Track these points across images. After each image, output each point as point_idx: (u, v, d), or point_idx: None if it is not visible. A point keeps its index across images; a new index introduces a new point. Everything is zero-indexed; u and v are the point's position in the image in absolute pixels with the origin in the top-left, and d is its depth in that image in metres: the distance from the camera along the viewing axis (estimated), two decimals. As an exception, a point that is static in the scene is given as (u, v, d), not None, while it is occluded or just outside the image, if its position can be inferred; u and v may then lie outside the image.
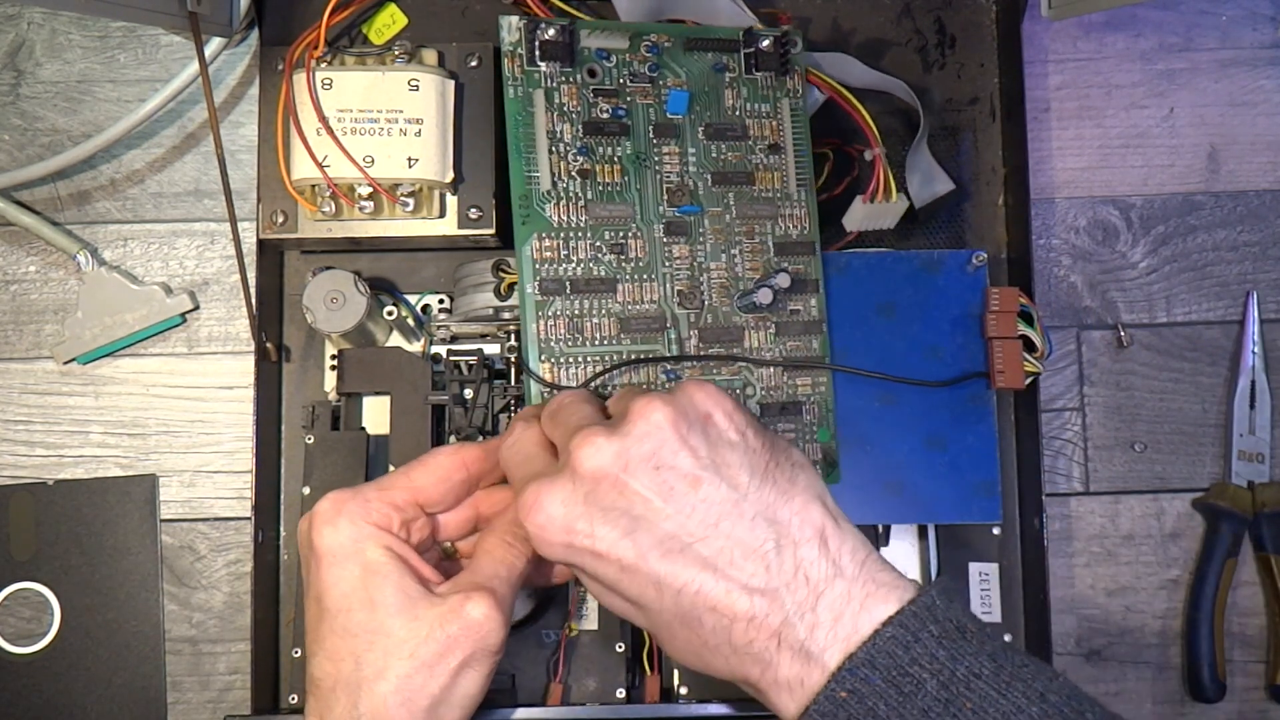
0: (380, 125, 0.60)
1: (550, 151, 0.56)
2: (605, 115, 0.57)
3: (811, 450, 0.58)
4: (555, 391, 0.54)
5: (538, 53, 0.57)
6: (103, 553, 0.65)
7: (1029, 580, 0.63)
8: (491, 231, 0.61)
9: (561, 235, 0.56)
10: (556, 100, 0.57)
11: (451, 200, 0.62)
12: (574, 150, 0.57)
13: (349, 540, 0.49)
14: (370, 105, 0.60)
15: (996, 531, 0.62)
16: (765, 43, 0.60)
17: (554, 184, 0.56)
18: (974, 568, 0.62)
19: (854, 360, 0.60)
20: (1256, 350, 0.67)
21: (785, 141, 0.60)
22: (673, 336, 0.57)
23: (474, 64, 0.62)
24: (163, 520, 0.66)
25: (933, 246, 0.66)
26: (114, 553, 0.65)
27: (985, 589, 0.62)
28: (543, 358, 0.55)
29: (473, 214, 0.61)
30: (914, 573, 0.62)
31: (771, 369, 0.58)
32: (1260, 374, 0.66)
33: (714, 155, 0.59)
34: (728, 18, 0.62)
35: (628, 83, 0.58)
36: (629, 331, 0.56)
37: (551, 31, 0.57)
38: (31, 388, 0.67)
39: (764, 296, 0.57)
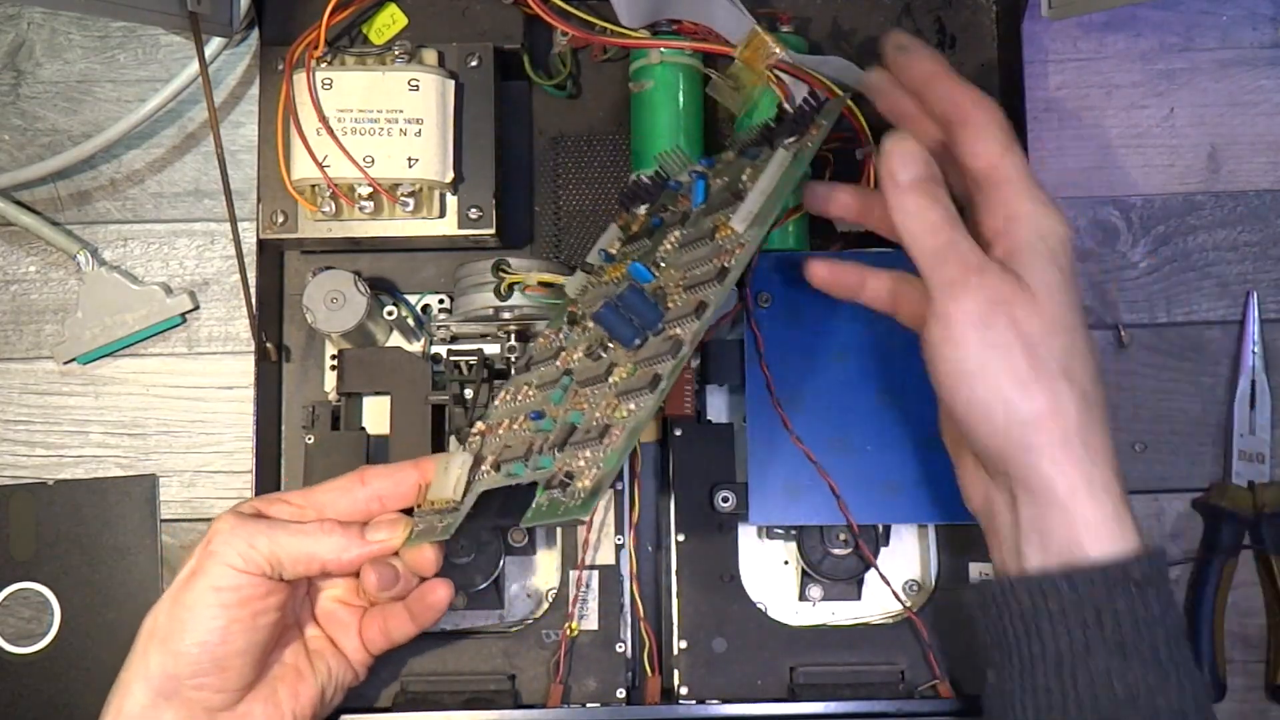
0: (380, 125, 0.60)
1: None
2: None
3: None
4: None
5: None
6: (103, 553, 0.65)
7: (1029, 580, 0.63)
8: (491, 231, 0.61)
9: None
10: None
11: (451, 200, 0.62)
12: None
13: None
14: (370, 105, 0.60)
15: (996, 531, 0.62)
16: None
17: None
18: (974, 567, 0.62)
19: (854, 360, 0.60)
20: (1256, 350, 0.67)
21: (748, 186, 0.53)
22: None
23: (474, 64, 0.62)
24: (163, 520, 0.66)
25: (933, 246, 0.66)
26: (114, 553, 0.65)
27: (985, 589, 0.62)
28: None
29: (473, 214, 0.61)
30: (914, 573, 0.62)
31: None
32: (1260, 374, 0.66)
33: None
34: (725, 18, 0.62)
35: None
36: None
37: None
38: (31, 388, 0.67)
39: None
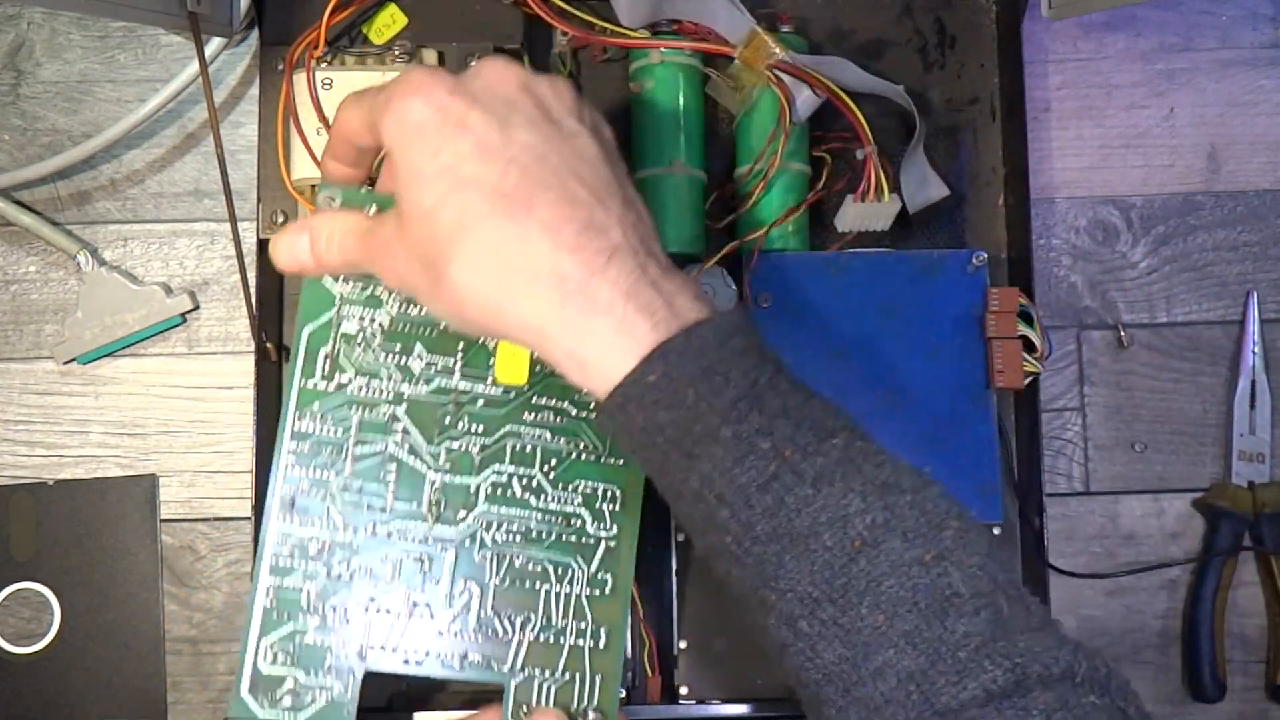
0: (380, 125, 0.60)
1: None
2: None
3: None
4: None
5: None
6: (103, 553, 0.65)
7: (1029, 580, 0.63)
8: (491, 231, 0.61)
9: None
10: None
11: (451, 200, 0.61)
12: None
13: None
14: (370, 105, 0.60)
15: (997, 531, 0.62)
16: None
17: None
18: (974, 568, 0.62)
19: (854, 360, 0.60)
20: (1256, 350, 0.67)
21: None
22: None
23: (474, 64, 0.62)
24: (163, 520, 0.66)
25: (933, 247, 0.66)
26: (114, 553, 0.65)
27: (985, 589, 0.62)
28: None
29: (473, 214, 0.61)
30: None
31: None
32: (1260, 374, 0.66)
33: None
34: (725, 18, 0.62)
35: None
36: None
37: None
38: (31, 388, 0.67)
39: None
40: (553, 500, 0.52)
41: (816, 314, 0.60)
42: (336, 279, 0.53)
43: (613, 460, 0.53)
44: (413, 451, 0.52)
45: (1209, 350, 0.67)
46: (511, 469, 0.53)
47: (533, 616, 0.51)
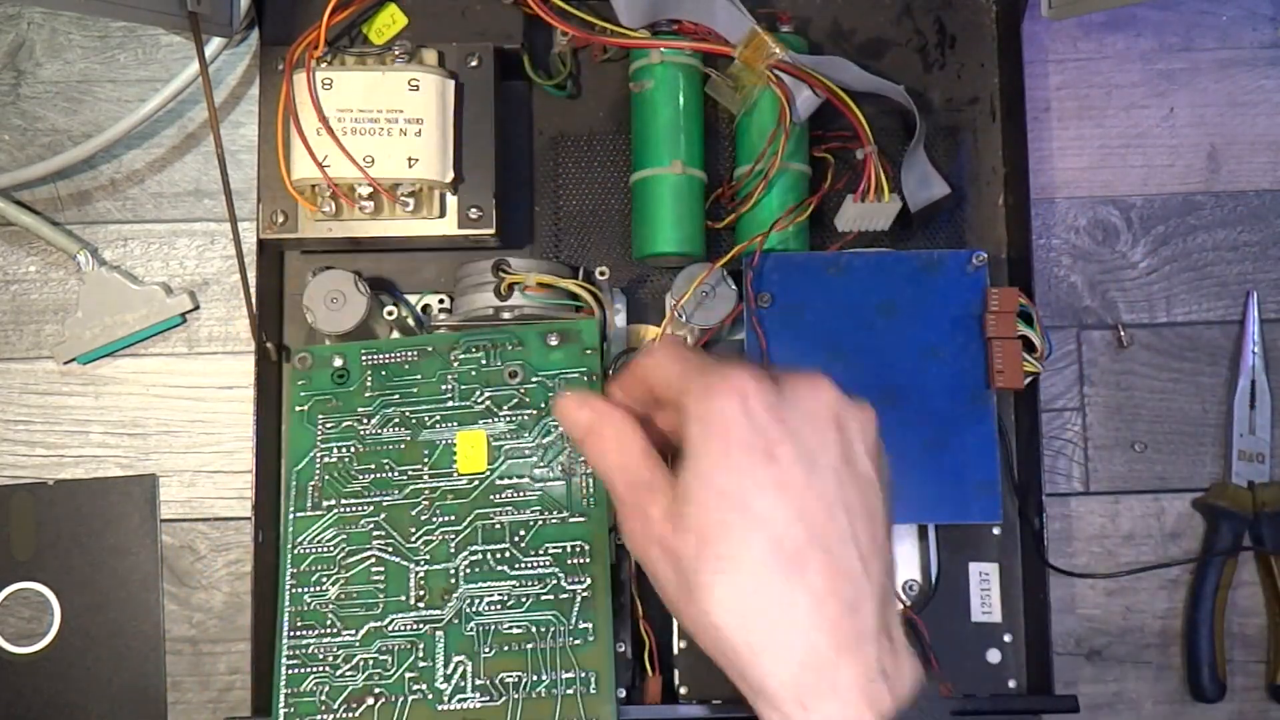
0: (380, 125, 0.60)
1: None
2: None
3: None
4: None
5: None
6: (103, 553, 0.65)
7: (1029, 580, 0.63)
8: (491, 231, 0.61)
9: None
10: None
11: (451, 200, 0.62)
12: None
13: None
14: (370, 105, 0.60)
15: (996, 531, 0.62)
16: None
17: None
18: (974, 568, 0.62)
19: (854, 360, 0.60)
20: (1256, 350, 0.67)
21: None
22: None
23: (474, 64, 0.62)
24: (163, 520, 0.66)
25: (933, 246, 0.66)
26: (114, 553, 0.65)
27: (985, 589, 0.62)
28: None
29: (473, 214, 0.61)
30: (914, 573, 0.62)
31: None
32: (1260, 374, 0.66)
33: None
34: (725, 18, 0.62)
35: None
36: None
37: None
38: (31, 388, 0.67)
39: None
40: (526, 566, 0.57)
41: (816, 314, 0.60)
42: (315, 425, 0.60)
43: (576, 518, 0.57)
44: (396, 551, 0.58)
45: (1209, 350, 0.67)
46: (485, 548, 0.58)
47: (524, 676, 0.56)
